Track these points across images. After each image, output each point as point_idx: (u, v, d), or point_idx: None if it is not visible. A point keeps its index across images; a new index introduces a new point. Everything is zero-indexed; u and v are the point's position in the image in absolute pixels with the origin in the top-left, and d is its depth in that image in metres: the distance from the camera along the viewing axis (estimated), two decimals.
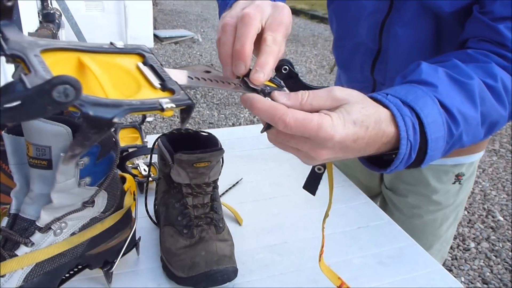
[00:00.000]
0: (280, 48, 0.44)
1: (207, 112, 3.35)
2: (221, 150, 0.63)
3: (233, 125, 3.16)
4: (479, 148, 0.86)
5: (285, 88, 0.47)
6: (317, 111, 0.41)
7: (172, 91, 0.33)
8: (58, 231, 0.50)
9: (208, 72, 0.45)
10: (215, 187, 0.66)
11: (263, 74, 0.42)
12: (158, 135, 0.71)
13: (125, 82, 0.33)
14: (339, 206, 0.81)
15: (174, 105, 0.31)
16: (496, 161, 2.82)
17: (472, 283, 1.80)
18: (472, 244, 2.03)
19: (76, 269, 0.56)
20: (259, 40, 0.44)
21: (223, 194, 0.83)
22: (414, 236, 0.75)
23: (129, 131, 0.94)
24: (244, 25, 0.42)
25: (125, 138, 0.92)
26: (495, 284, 1.79)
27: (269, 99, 0.41)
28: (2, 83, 0.24)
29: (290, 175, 0.92)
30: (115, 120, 0.27)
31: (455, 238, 2.05)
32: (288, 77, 0.46)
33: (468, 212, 2.27)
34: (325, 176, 0.50)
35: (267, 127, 0.42)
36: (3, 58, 0.27)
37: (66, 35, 3.61)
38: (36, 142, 0.46)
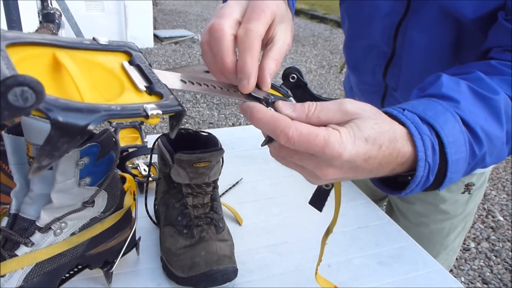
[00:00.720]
0: (259, 37, 0.38)
1: (207, 112, 3.35)
2: (221, 150, 0.63)
3: (233, 125, 3.16)
4: None
5: (291, 98, 0.43)
6: (325, 125, 0.37)
7: (159, 95, 0.30)
8: (58, 231, 0.50)
9: (207, 72, 0.42)
10: (215, 187, 0.66)
11: (247, 79, 0.37)
12: (158, 135, 0.71)
13: (107, 83, 0.29)
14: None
15: (160, 112, 0.28)
16: None
17: (472, 283, 1.80)
18: (472, 244, 2.03)
19: (76, 269, 0.56)
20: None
21: (223, 194, 0.83)
22: (420, 244, 0.73)
23: (129, 131, 0.94)
24: (214, 40, 0.38)
25: (125, 138, 0.92)
26: (495, 284, 1.79)
27: (272, 109, 0.37)
28: None
29: (290, 175, 0.92)
30: (90, 127, 0.23)
31: None
32: (296, 87, 0.43)
33: None
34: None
35: (269, 141, 0.39)
36: None
37: (66, 35, 3.61)
38: (36, 142, 0.46)
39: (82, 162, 0.47)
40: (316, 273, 0.58)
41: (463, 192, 0.83)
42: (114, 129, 0.91)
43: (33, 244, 0.48)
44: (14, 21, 2.32)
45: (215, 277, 0.57)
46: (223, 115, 3.31)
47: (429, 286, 0.64)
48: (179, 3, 8.63)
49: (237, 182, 0.88)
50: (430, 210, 0.86)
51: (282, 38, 0.42)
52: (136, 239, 0.63)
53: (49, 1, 3.37)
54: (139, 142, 0.91)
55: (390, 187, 0.44)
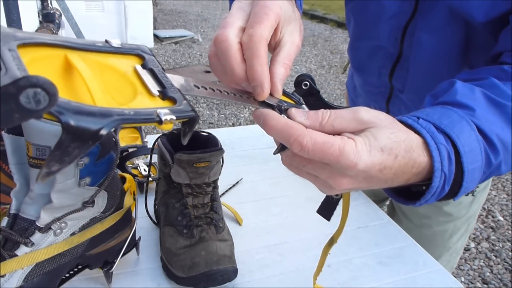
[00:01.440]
0: (265, 41, 0.37)
1: (207, 112, 3.35)
2: (221, 150, 0.63)
3: (233, 125, 3.16)
4: None
5: (304, 106, 0.42)
6: (339, 134, 0.36)
7: (173, 100, 0.29)
8: (58, 231, 0.50)
9: (208, 72, 0.41)
10: (215, 187, 0.66)
11: (260, 86, 0.36)
12: (158, 135, 0.71)
13: (119, 87, 0.28)
14: (339, 206, 0.81)
15: (174, 117, 0.27)
16: None
17: (472, 283, 1.80)
18: (472, 244, 2.03)
19: (76, 269, 0.56)
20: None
21: (223, 194, 0.83)
22: (422, 246, 0.73)
23: (129, 131, 0.94)
24: (220, 52, 0.37)
25: (125, 138, 0.92)
26: (495, 284, 1.79)
27: (285, 116, 0.36)
28: None
29: (290, 175, 0.92)
30: (102, 132, 0.22)
31: None
32: (308, 94, 0.42)
33: None
34: None
35: (281, 149, 0.38)
36: None
37: (66, 35, 3.61)
38: (36, 142, 0.46)
39: (82, 162, 0.47)
40: (314, 283, 0.58)
41: (467, 194, 0.83)
42: (114, 129, 0.90)
43: (33, 244, 0.48)
44: (14, 21, 2.32)
45: (215, 277, 0.57)
46: (223, 115, 3.31)
47: (429, 286, 0.64)
48: (179, 3, 8.63)
49: (237, 182, 0.88)
50: (433, 212, 0.86)
51: (290, 40, 0.41)
52: (136, 239, 0.63)
53: (49, 1, 3.37)
54: (139, 142, 0.91)
55: (403, 197, 0.44)
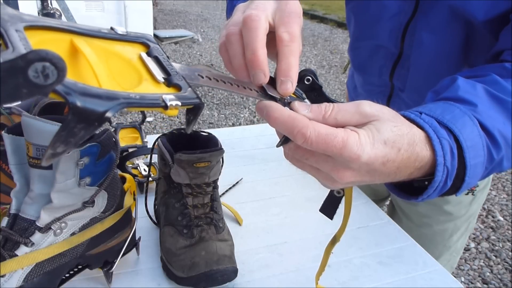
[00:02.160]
0: (300, 42, 0.39)
1: (207, 112, 3.35)
2: (221, 150, 0.63)
3: (233, 125, 3.16)
4: None
5: (306, 100, 0.42)
6: (342, 127, 0.36)
7: (178, 87, 0.29)
8: (58, 231, 0.50)
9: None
10: (215, 187, 0.66)
11: (291, 82, 0.37)
12: (158, 135, 0.71)
13: (124, 73, 0.28)
14: (339, 206, 0.81)
15: (179, 103, 0.27)
16: None
17: (472, 283, 1.80)
18: (472, 244, 2.03)
19: (76, 269, 0.56)
20: (272, 40, 0.39)
21: (223, 194, 0.83)
22: (422, 245, 0.73)
23: (129, 131, 0.94)
24: (249, 30, 0.37)
25: (125, 138, 0.92)
26: (495, 284, 1.79)
27: (288, 109, 0.36)
28: None
29: (290, 175, 0.92)
30: (108, 114, 0.22)
31: None
32: (310, 89, 0.42)
33: None
34: None
35: (284, 141, 0.37)
36: None
37: None
38: (36, 142, 0.46)
39: (82, 162, 0.47)
40: (316, 283, 0.58)
41: (467, 193, 0.83)
42: (114, 129, 0.91)
43: (33, 244, 0.48)
44: None
45: (215, 277, 0.57)
46: (223, 115, 3.31)
47: (429, 286, 0.64)
48: (179, 3, 8.63)
49: (237, 182, 0.88)
50: (434, 211, 0.86)
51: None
52: (136, 239, 0.63)
53: (49, 1, 3.37)
54: (139, 142, 0.91)
55: (405, 192, 0.44)
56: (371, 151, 0.35)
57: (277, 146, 0.39)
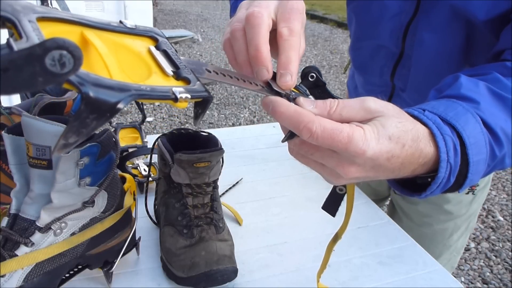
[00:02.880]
0: (301, 38, 0.39)
1: (207, 112, 3.35)
2: (221, 150, 0.63)
3: (233, 125, 3.16)
4: None
5: (310, 97, 0.42)
6: (347, 123, 0.36)
7: (187, 81, 0.29)
8: (58, 231, 0.50)
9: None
10: (215, 187, 0.66)
11: (290, 75, 0.38)
12: (158, 135, 0.71)
13: (134, 66, 0.29)
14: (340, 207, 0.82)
15: (189, 96, 0.27)
16: None
17: (472, 283, 1.80)
18: (472, 244, 2.03)
19: (76, 269, 0.56)
20: (276, 38, 0.39)
21: (223, 194, 0.83)
22: (422, 245, 0.73)
23: (129, 131, 0.94)
24: (252, 27, 0.38)
25: (125, 138, 0.92)
26: (495, 284, 1.79)
27: (294, 104, 0.36)
28: None
29: (290, 175, 0.92)
30: (120, 105, 0.23)
31: None
32: (314, 86, 0.42)
33: None
34: None
35: (289, 136, 0.37)
36: None
37: None
38: (36, 142, 0.46)
39: (82, 162, 0.47)
40: (318, 282, 0.58)
41: (467, 193, 0.83)
42: (114, 129, 0.91)
43: (33, 244, 0.48)
44: None
45: (215, 277, 0.57)
46: (223, 115, 3.31)
47: (429, 286, 0.64)
48: (179, 3, 8.63)
49: (237, 182, 0.88)
50: (434, 211, 0.86)
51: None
52: (136, 239, 0.63)
53: (49, 1, 3.37)
54: (139, 142, 0.91)
55: (409, 189, 0.44)
56: (376, 146, 0.35)
57: (282, 141, 0.39)
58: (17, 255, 0.47)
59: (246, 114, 3.36)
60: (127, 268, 0.62)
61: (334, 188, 0.46)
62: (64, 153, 0.43)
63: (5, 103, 0.67)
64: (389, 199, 1.02)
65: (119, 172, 0.64)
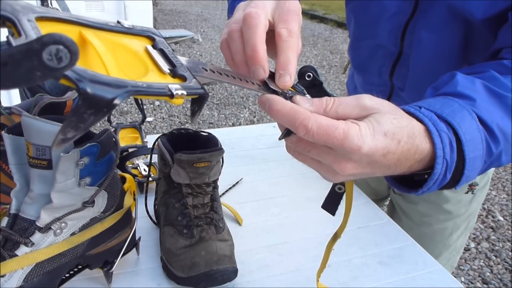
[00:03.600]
0: (298, 39, 0.40)
1: (207, 112, 3.35)
2: (221, 150, 0.63)
3: (233, 125, 3.16)
4: None
5: (307, 95, 0.42)
6: (343, 120, 0.36)
7: (183, 78, 0.30)
8: (58, 231, 0.50)
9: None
10: (215, 187, 0.66)
11: (289, 76, 0.38)
12: (158, 135, 0.71)
13: (131, 64, 0.30)
14: (339, 206, 0.81)
15: (185, 93, 0.28)
16: None
17: (472, 283, 1.80)
18: (472, 244, 2.03)
19: (76, 269, 0.56)
20: (272, 38, 0.40)
21: (223, 194, 0.83)
22: (422, 244, 0.73)
23: (129, 131, 0.94)
24: (249, 27, 0.39)
25: (125, 138, 0.92)
26: (495, 284, 1.79)
27: (290, 102, 0.37)
28: None
29: (290, 175, 0.92)
30: (116, 101, 0.23)
31: None
32: (311, 85, 0.42)
33: None
34: None
35: (286, 134, 0.38)
36: None
37: None
38: (36, 142, 0.46)
39: (82, 162, 0.47)
40: (317, 281, 0.58)
41: (467, 192, 0.83)
42: (114, 129, 0.91)
43: (33, 244, 0.48)
44: None
45: (215, 277, 0.57)
46: (223, 115, 3.31)
47: (429, 286, 0.64)
48: (179, 3, 8.63)
49: (237, 182, 0.88)
50: (433, 210, 0.86)
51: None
52: (136, 239, 0.63)
53: (49, 1, 3.37)
54: (139, 142, 0.91)
55: (405, 185, 0.44)
56: (372, 142, 0.35)
57: (279, 139, 0.39)
58: (17, 255, 0.47)
59: (246, 114, 3.36)
60: (127, 268, 0.62)
61: (333, 187, 0.47)
62: (62, 148, 0.43)
63: (5, 103, 0.67)
64: (389, 199, 1.02)
65: (119, 172, 0.64)
